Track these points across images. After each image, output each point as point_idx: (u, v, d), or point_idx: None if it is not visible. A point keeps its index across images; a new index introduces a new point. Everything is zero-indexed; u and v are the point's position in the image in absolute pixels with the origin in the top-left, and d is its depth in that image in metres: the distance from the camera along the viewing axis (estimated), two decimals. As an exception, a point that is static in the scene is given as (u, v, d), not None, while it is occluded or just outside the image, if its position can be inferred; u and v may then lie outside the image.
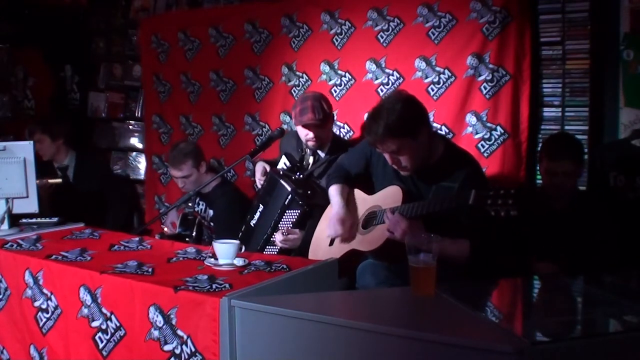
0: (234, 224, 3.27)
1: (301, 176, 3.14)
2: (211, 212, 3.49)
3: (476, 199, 2.13)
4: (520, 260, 2.64)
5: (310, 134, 3.12)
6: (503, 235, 2.75)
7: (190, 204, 3.59)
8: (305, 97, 3.21)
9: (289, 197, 2.93)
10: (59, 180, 3.92)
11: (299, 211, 2.92)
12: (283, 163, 3.28)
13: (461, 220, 2.41)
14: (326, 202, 2.90)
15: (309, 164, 3.23)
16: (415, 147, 2.44)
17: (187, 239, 3.52)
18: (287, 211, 2.95)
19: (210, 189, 3.50)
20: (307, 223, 2.91)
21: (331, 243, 2.74)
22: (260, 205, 3.17)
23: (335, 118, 3.63)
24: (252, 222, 3.18)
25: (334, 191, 2.79)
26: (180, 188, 3.55)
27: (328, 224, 2.70)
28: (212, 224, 3.48)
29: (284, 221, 2.97)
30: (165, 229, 3.76)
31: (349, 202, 2.75)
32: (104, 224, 3.32)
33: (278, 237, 2.93)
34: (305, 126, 3.11)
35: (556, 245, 2.62)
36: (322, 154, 3.22)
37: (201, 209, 3.55)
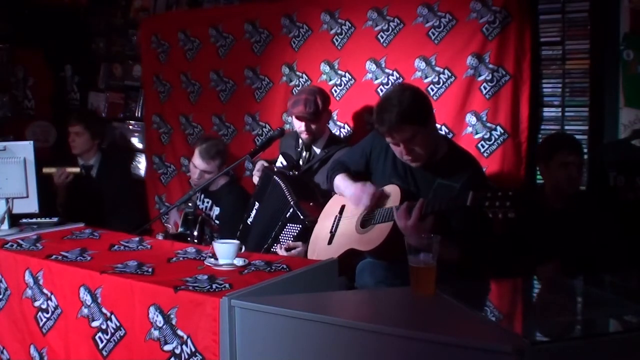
0: (239, 222, 3.28)
1: (296, 173, 3.16)
2: (217, 209, 3.50)
3: (474, 200, 2.13)
4: (521, 260, 2.64)
5: (303, 126, 3.18)
6: (503, 235, 2.76)
7: (190, 204, 3.59)
8: (302, 90, 3.33)
9: (291, 210, 2.93)
10: (77, 170, 3.90)
11: (300, 226, 2.92)
12: (280, 162, 3.30)
13: (454, 223, 2.41)
14: (321, 197, 2.91)
15: (304, 161, 3.25)
16: (427, 135, 2.46)
17: (189, 239, 3.52)
18: (288, 224, 2.95)
19: (218, 187, 3.52)
20: (310, 236, 2.91)
21: (330, 242, 2.74)
22: (256, 203, 3.19)
23: (335, 118, 3.65)
24: (249, 221, 3.19)
25: (340, 178, 2.79)
26: (195, 179, 3.52)
27: (354, 201, 2.67)
28: (217, 222, 3.48)
29: (285, 234, 2.97)
30: (169, 226, 3.76)
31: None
32: (117, 226, 3.29)
33: (282, 252, 2.93)
34: (297, 118, 3.18)
35: (556, 245, 2.62)
36: (317, 150, 3.25)
37: (206, 207, 3.55)
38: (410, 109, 2.40)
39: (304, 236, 2.92)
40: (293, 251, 2.90)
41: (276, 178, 3.07)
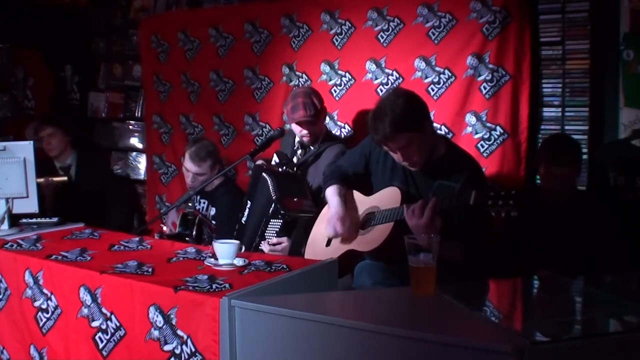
0: (236, 222, 3.28)
1: (287, 169, 3.15)
2: (213, 210, 3.49)
3: (477, 199, 2.14)
4: (522, 260, 2.64)
5: (304, 131, 3.19)
6: (503, 235, 2.76)
7: (190, 204, 3.59)
8: (295, 94, 3.25)
9: (273, 205, 2.93)
10: (65, 179, 3.92)
11: (281, 221, 2.93)
12: (274, 161, 3.31)
13: (455, 222, 2.41)
14: (309, 193, 2.94)
15: (299, 159, 3.26)
16: (423, 139, 2.45)
17: (187, 239, 3.52)
18: (271, 220, 2.96)
19: (213, 187, 3.51)
20: (293, 231, 2.91)
21: (328, 243, 2.74)
22: (248, 202, 3.19)
23: (335, 118, 3.65)
24: (243, 219, 3.20)
25: (331, 192, 2.78)
26: (189, 182, 3.52)
27: (327, 224, 2.69)
28: (213, 222, 3.48)
29: (269, 230, 2.97)
30: (165, 228, 3.76)
31: (347, 203, 2.74)
32: (105, 224, 3.30)
33: (265, 248, 2.94)
34: (298, 123, 3.16)
35: (556, 245, 2.62)
36: (312, 148, 3.26)
37: (202, 207, 3.54)
38: (403, 116, 2.38)
39: (287, 232, 2.91)
40: (277, 247, 2.90)
41: (264, 175, 3.07)
